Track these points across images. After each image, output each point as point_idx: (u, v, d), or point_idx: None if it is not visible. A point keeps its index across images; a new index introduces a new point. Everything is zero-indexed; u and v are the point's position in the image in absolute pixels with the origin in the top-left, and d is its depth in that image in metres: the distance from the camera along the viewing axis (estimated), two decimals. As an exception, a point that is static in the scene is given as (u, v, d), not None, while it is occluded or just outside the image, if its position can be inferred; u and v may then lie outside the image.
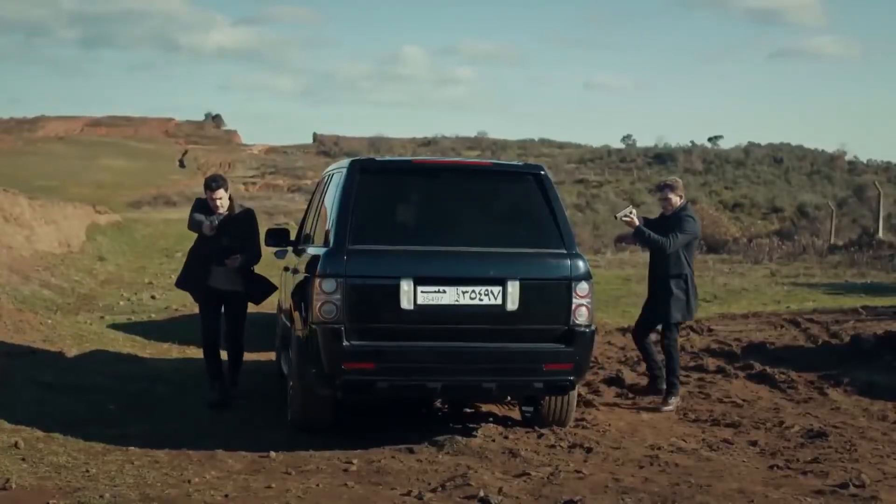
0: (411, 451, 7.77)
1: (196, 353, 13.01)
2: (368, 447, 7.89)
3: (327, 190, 8.87)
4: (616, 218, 9.75)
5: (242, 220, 9.75)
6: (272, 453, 7.62)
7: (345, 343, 7.57)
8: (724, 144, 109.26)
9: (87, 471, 7.02)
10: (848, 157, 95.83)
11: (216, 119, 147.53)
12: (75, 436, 8.03)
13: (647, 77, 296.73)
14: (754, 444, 8.28)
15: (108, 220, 36.00)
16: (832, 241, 35.33)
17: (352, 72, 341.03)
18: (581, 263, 7.97)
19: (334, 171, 8.90)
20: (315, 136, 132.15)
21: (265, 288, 10.05)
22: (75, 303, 18.34)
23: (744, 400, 10.08)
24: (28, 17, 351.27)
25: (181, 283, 10.14)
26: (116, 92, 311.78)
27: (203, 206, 9.75)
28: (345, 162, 8.53)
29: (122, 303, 18.81)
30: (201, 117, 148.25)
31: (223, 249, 9.51)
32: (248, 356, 10.51)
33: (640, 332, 10.37)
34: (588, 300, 7.94)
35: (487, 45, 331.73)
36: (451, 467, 7.32)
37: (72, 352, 11.96)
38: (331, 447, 7.85)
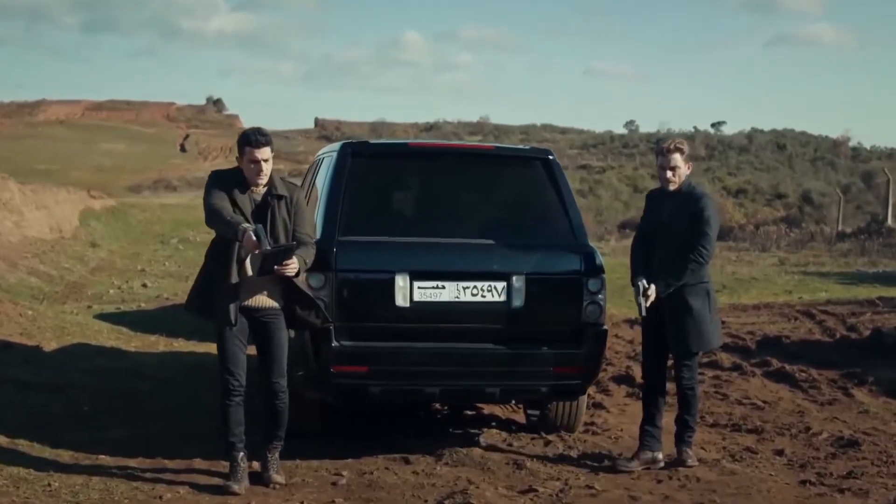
0: (407, 462, 7.11)
1: (183, 346, 12.44)
2: (360, 455, 7.23)
3: (317, 175, 8.21)
4: (644, 312, 6.96)
5: (293, 203, 6.47)
6: (254, 463, 6.90)
7: (334, 344, 6.89)
8: (728, 130, 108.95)
9: (49, 484, 6.35)
10: (852, 144, 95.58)
11: (217, 103, 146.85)
12: (42, 441, 7.37)
13: (648, 64, 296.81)
14: (780, 453, 7.58)
15: (103, 205, 35.33)
16: (840, 229, 34.79)
17: (352, 57, 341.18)
18: (593, 256, 7.26)
19: (325, 155, 8.22)
20: (317, 120, 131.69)
21: (307, 306, 6.53)
22: (63, 291, 17.76)
23: (764, 401, 9.42)
24: (30, 3, 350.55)
25: (196, 305, 6.58)
26: (118, 77, 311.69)
27: (229, 180, 6.41)
28: (336, 145, 7.86)
29: (112, 291, 18.24)
30: (202, 102, 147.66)
31: (270, 255, 6.14)
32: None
33: (652, 367, 7.34)
34: (600, 297, 7.25)
35: (487, 31, 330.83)
36: (451, 481, 6.67)
37: (50, 345, 11.34)
38: (319, 455, 7.18)
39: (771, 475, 6.96)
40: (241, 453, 6.51)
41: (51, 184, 32.08)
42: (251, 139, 6.32)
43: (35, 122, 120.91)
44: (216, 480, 6.58)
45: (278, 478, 6.57)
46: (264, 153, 6.33)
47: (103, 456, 7.10)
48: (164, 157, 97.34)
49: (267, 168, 6.37)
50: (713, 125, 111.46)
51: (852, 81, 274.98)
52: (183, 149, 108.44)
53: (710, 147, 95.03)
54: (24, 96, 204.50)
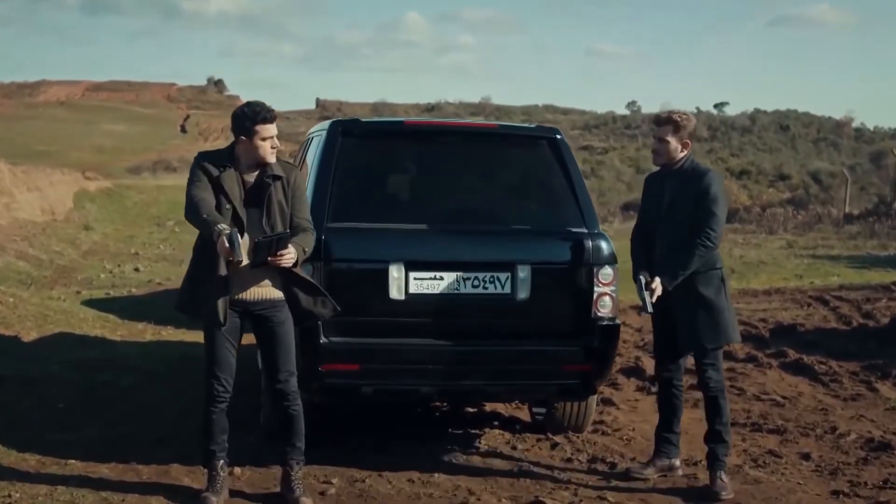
0: (402, 468, 6.53)
1: (172, 334, 11.87)
2: (351, 461, 6.66)
3: (306, 157, 7.62)
4: (650, 309, 6.19)
5: (290, 185, 5.77)
6: (237, 469, 6.36)
7: (322, 340, 6.32)
8: (730, 111, 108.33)
9: (10, 495, 5.79)
10: (855, 124, 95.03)
11: (218, 84, 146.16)
12: (9, 445, 6.80)
13: (650, 45, 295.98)
14: (807, 457, 7.01)
15: (98, 186, 34.79)
16: (847, 211, 34.16)
17: (353, 38, 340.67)
18: (604, 245, 6.65)
19: (314, 135, 7.63)
20: (318, 101, 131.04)
21: (312, 295, 5.85)
22: (52, 276, 17.27)
23: (784, 397, 8.85)
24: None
25: (187, 302, 5.86)
26: (118, 57, 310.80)
27: (217, 163, 5.70)
28: (326, 123, 7.26)
29: (102, 276, 17.73)
30: (203, 82, 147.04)
31: (263, 244, 5.48)
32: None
33: (666, 367, 6.59)
34: (612, 288, 6.64)
35: (488, 12, 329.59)
36: (449, 490, 6.11)
37: (30, 335, 10.78)
38: (307, 460, 6.55)
39: (799, 484, 6.39)
40: (222, 461, 5.90)
41: (50, 165, 31.64)
42: (262, 115, 5.62)
43: (35, 103, 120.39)
44: (195, 488, 6.03)
45: (307, 500, 5.85)
46: (273, 129, 5.68)
47: (73, 461, 6.54)
48: (165, 138, 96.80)
49: (276, 144, 5.72)
50: (716, 106, 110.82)
51: (855, 62, 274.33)
52: (183, 129, 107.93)
53: (713, 128, 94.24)
54: (24, 77, 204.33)
